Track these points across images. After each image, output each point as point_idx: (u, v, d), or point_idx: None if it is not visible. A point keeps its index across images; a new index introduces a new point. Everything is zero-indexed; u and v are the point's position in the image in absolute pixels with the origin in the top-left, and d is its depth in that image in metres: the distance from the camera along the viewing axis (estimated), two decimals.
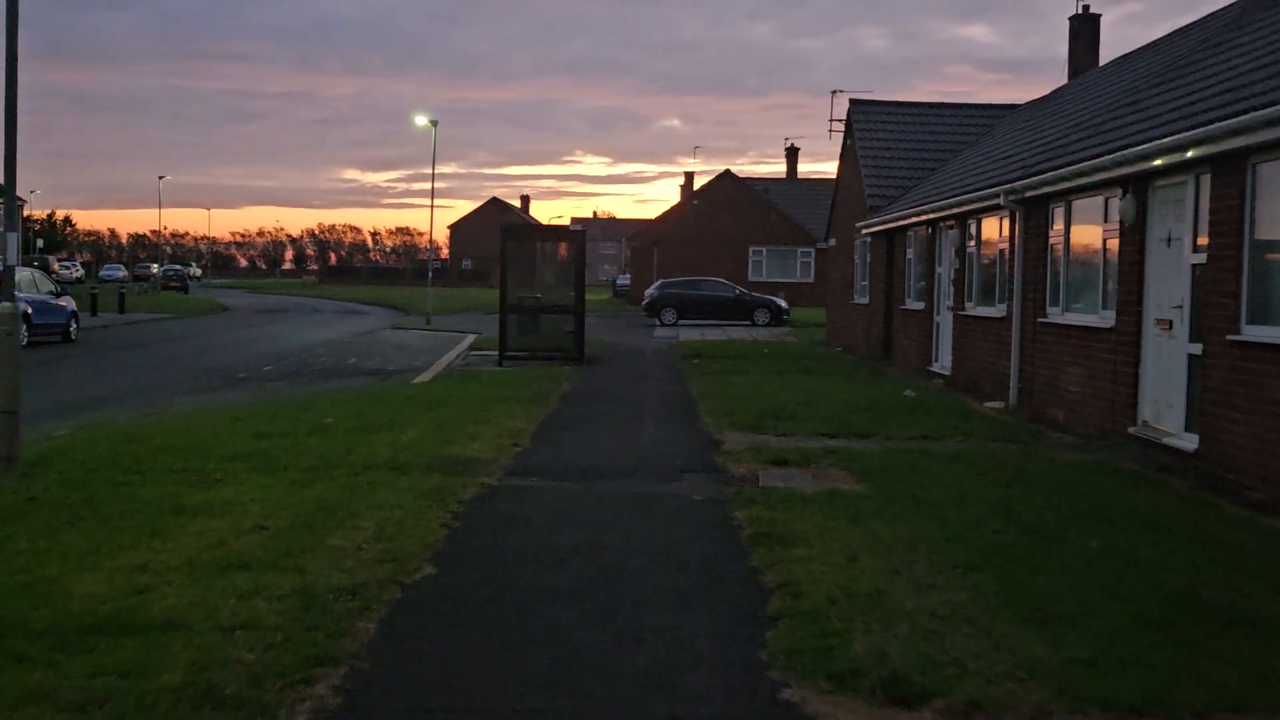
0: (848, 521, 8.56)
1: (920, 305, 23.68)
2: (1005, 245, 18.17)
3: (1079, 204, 15.42)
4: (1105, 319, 14.15)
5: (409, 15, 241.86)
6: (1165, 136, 11.98)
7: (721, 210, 62.62)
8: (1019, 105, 31.34)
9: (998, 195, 17.34)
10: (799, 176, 69.43)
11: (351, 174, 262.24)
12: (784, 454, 11.93)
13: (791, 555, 7.55)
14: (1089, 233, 15.13)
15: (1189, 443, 11.80)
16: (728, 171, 64.80)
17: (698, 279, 48.30)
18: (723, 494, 9.91)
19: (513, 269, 26.57)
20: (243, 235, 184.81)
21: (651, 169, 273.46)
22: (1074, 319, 15.28)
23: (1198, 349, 11.74)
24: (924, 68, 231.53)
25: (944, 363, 21.86)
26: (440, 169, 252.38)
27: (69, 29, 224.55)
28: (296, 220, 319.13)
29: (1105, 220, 14.39)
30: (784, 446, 12.54)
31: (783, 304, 45.88)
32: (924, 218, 22.72)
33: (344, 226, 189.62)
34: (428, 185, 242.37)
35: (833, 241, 35.34)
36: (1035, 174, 16.12)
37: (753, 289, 51.62)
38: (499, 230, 26.94)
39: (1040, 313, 16.42)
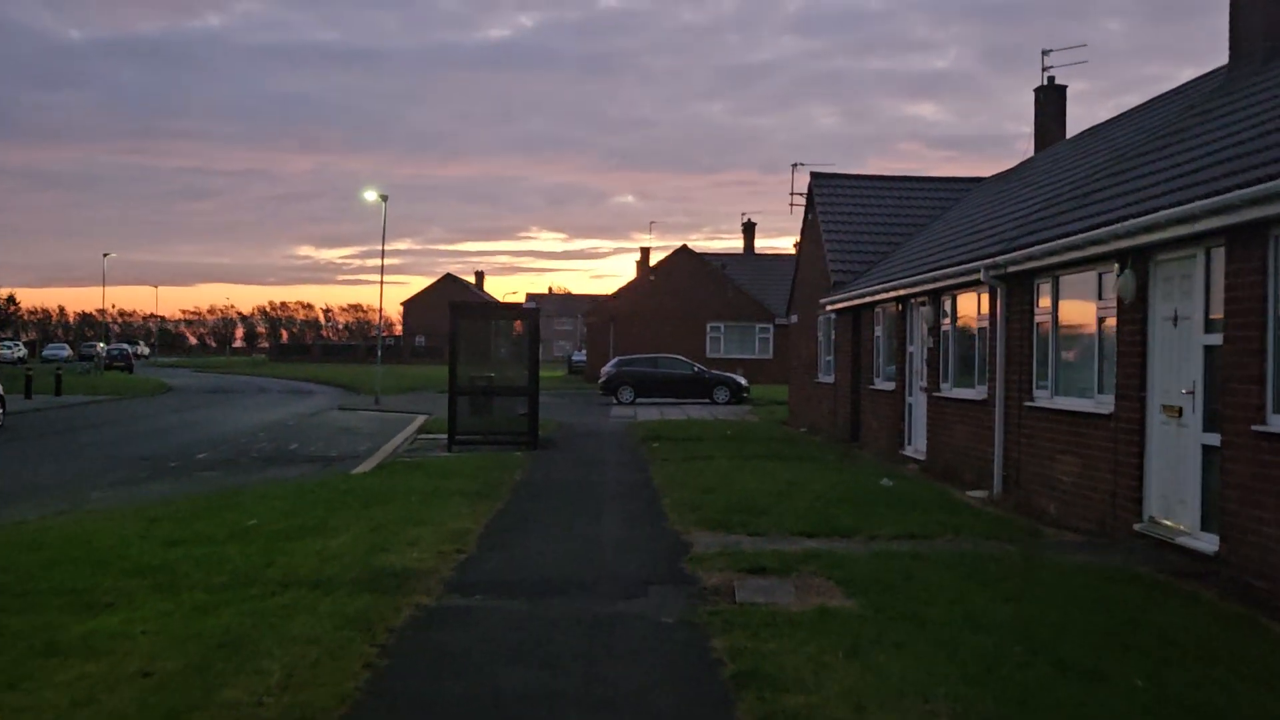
0: (846, 653, 7.27)
1: (891, 385, 22.59)
2: (984, 323, 17.13)
3: (1068, 279, 14.39)
4: (1102, 404, 13.06)
5: (367, 94, 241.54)
6: (1171, 206, 10.96)
7: (679, 286, 61.73)
8: (984, 178, 30.62)
9: (976, 270, 16.32)
10: (756, 251, 68.85)
11: (306, 250, 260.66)
12: (760, 559, 10.66)
13: (786, 704, 6.26)
14: (1081, 310, 14.09)
15: (1208, 544, 10.65)
16: (684, 247, 64.04)
17: (655, 356, 47.19)
18: (696, 613, 8.61)
19: (463, 348, 25.33)
20: (193, 313, 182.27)
21: (607, 245, 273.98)
22: (1066, 404, 14.18)
23: (1215, 439, 10.62)
24: (875, 145, 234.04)
25: (918, 446, 20.71)
26: (395, 245, 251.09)
27: (21, 106, 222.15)
28: (250, 297, 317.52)
29: (1099, 297, 13.35)
30: (759, 549, 11.27)
31: (742, 381, 44.82)
32: (894, 294, 21.71)
33: (296, 304, 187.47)
34: (384, 261, 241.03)
35: (794, 318, 34.35)
36: (1018, 248, 15.11)
37: (711, 365, 50.65)
38: (449, 308, 25.66)
39: (1026, 396, 15.32)
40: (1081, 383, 13.92)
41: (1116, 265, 12.58)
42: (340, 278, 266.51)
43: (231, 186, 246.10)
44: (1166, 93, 19.43)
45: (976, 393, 17.41)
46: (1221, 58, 17.06)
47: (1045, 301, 14.93)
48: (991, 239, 17.66)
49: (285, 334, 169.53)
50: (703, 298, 61.49)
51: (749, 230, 68.69)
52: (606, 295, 73.58)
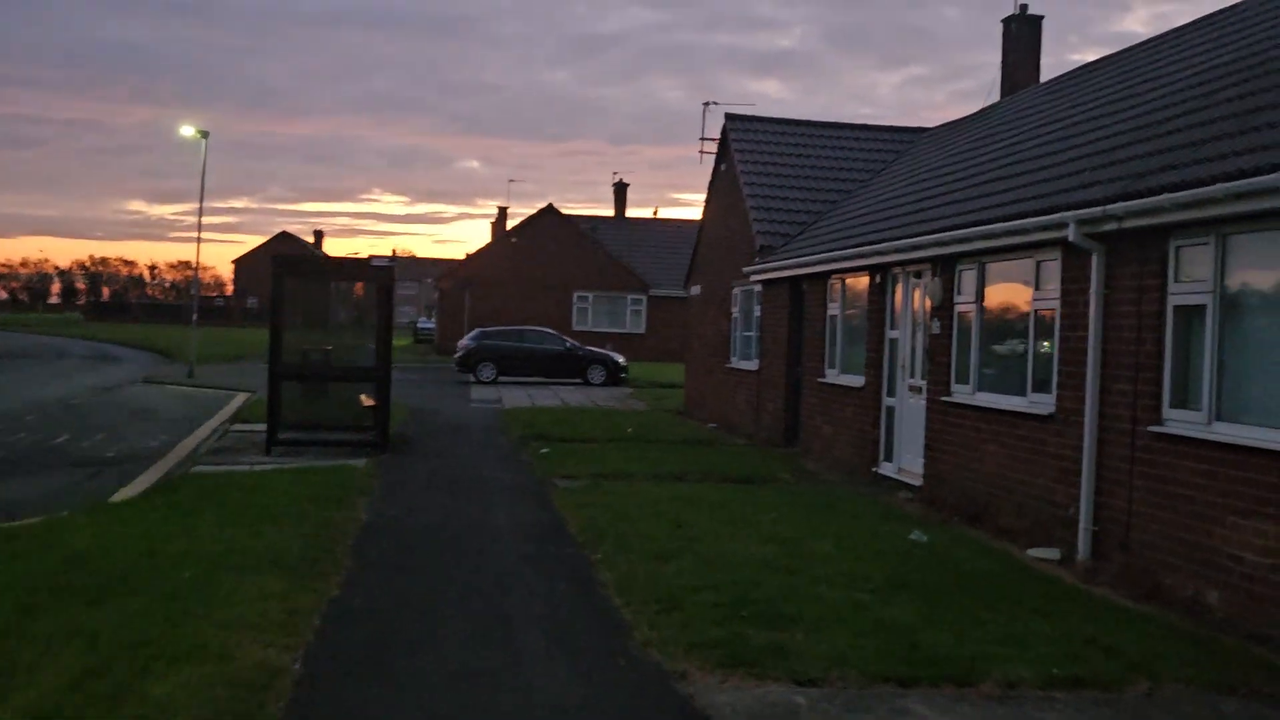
0: None
1: (857, 381, 17.23)
2: (1047, 304, 11.87)
3: (1245, 241, 9.13)
4: None
5: (202, 45, 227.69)
6: None
7: (543, 250, 55.48)
8: (930, 128, 25.63)
9: (1059, 226, 11.00)
10: (628, 216, 63.05)
11: (137, 205, 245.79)
12: None
13: None
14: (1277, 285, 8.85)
15: None
16: (550, 206, 57.53)
17: (522, 329, 41.18)
18: None
19: (291, 317, 19.28)
20: (4, 266, 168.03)
21: (451, 209, 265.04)
22: (1247, 436, 8.91)
23: None
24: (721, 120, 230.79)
25: (907, 466, 15.43)
26: (231, 203, 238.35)
27: None
28: (77, 251, 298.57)
29: None
30: None
31: (620, 360, 39.18)
32: (866, 260, 16.39)
33: (117, 259, 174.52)
34: (218, 219, 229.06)
35: (696, 289, 28.88)
36: (1146, 191, 9.80)
37: (580, 340, 44.85)
38: (271, 264, 19.45)
39: (1149, 416, 10.06)
40: None
41: None
42: (173, 235, 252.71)
43: (59, 136, 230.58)
44: None
45: (1031, 404, 12.13)
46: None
47: (1200, 271, 9.62)
48: (1067, 184, 12.32)
49: (107, 291, 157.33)
50: (570, 264, 55.42)
51: (620, 192, 62.68)
52: (459, 259, 67.27)
